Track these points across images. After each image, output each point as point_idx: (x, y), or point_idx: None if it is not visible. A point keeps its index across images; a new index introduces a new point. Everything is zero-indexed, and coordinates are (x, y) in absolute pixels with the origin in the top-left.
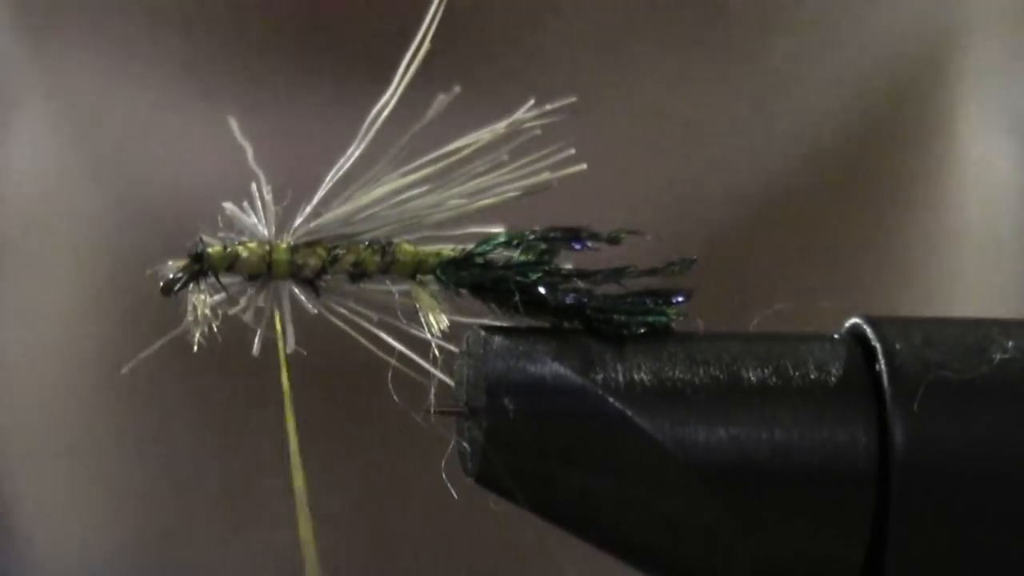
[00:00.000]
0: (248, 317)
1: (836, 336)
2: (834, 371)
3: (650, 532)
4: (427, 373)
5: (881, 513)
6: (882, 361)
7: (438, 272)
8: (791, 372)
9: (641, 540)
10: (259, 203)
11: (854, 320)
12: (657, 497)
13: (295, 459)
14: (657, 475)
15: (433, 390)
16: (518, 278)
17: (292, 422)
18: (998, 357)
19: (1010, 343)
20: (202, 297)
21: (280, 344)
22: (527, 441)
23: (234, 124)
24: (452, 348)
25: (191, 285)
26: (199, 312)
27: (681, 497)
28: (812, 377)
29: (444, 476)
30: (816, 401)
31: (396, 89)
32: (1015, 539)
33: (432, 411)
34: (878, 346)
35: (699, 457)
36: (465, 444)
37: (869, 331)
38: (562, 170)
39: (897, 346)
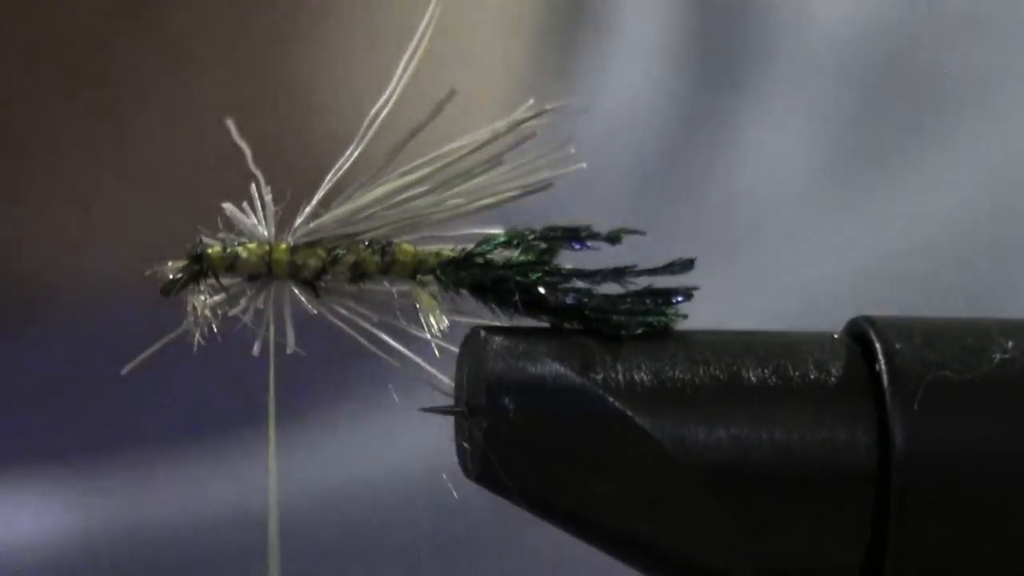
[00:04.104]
0: (248, 318)
1: (836, 336)
2: (834, 371)
3: (650, 532)
4: (427, 373)
5: (881, 513)
6: (882, 361)
7: (438, 272)
8: (791, 372)
9: (641, 540)
10: (258, 204)
11: (854, 320)
12: (657, 497)
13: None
14: (657, 475)
15: (433, 390)
16: (518, 278)
17: (273, 420)
18: (998, 357)
19: (1010, 343)
20: (202, 298)
21: (271, 345)
22: (527, 441)
23: (231, 126)
24: (452, 348)
25: (191, 285)
26: (199, 312)
27: (681, 497)
28: (812, 377)
29: (444, 476)
30: (816, 401)
31: (395, 88)
32: (1015, 538)
33: (432, 411)
34: (878, 346)
35: (699, 457)
36: (465, 444)
37: (869, 331)
38: (562, 168)
39: (897, 346)
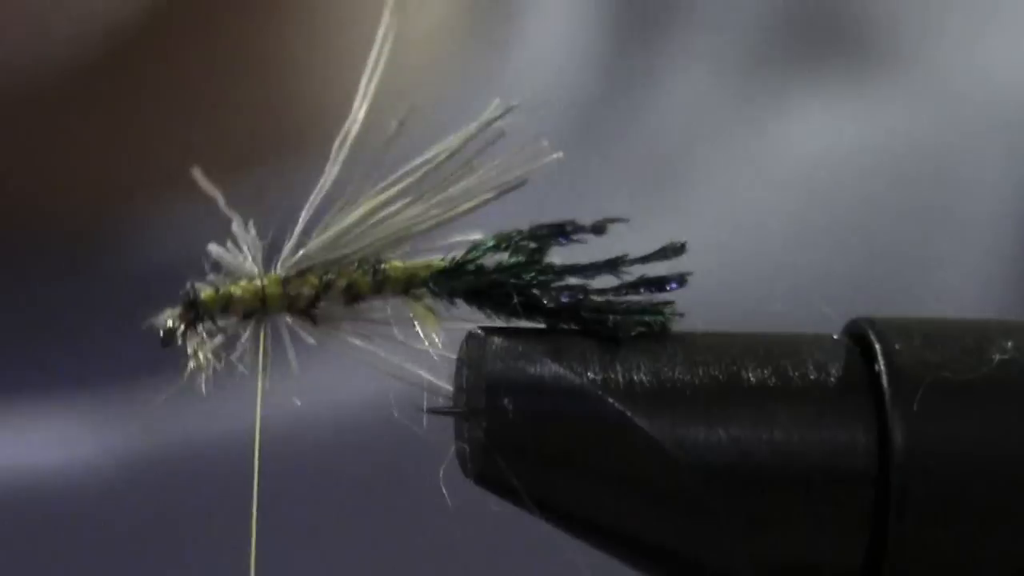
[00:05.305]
0: (248, 356)
1: (835, 336)
2: (833, 371)
3: (649, 532)
4: (428, 383)
5: (881, 513)
6: (881, 361)
7: (431, 284)
8: (790, 372)
9: (640, 540)
10: (243, 243)
11: (853, 320)
12: (656, 498)
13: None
14: (656, 476)
15: (433, 393)
16: (512, 280)
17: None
18: (998, 358)
19: (1010, 343)
20: (201, 342)
21: (259, 379)
22: (526, 442)
23: (199, 175)
24: (452, 356)
25: (189, 332)
26: (200, 357)
27: (680, 498)
28: (811, 377)
29: (441, 483)
30: (816, 401)
31: (360, 108)
32: (1015, 539)
33: (433, 412)
34: (877, 346)
35: (699, 457)
36: (464, 445)
37: (869, 331)
38: (536, 163)
39: (896, 346)
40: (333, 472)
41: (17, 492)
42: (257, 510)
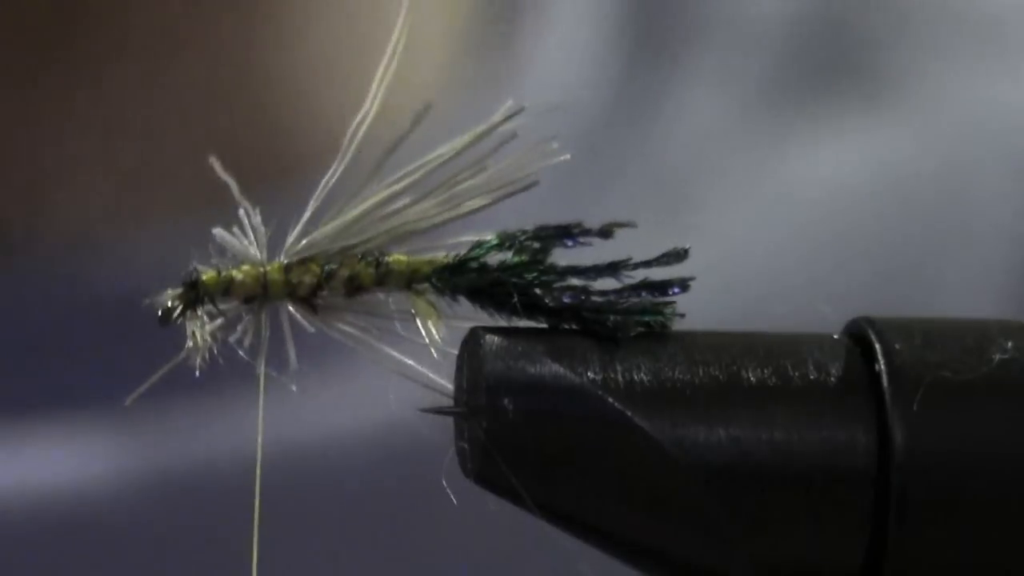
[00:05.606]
0: (247, 340)
1: (835, 336)
2: (833, 371)
3: (649, 532)
4: (428, 379)
5: (881, 513)
6: (881, 361)
7: (433, 280)
8: (791, 372)
9: (640, 540)
10: (248, 228)
11: (853, 320)
12: (656, 498)
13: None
14: (656, 476)
15: (434, 391)
16: (514, 280)
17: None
18: (998, 357)
19: (1010, 343)
20: (200, 324)
21: (260, 367)
22: (526, 442)
23: (215, 164)
24: (453, 351)
25: (188, 313)
26: (198, 339)
27: (680, 498)
28: (812, 377)
29: (444, 482)
30: (816, 401)
31: (371, 105)
32: (1014, 539)
33: (432, 411)
34: (878, 346)
35: (699, 457)
36: (464, 444)
37: (869, 331)
38: (543, 163)
39: (897, 346)
40: (340, 487)
41: (27, 510)
42: (264, 522)
